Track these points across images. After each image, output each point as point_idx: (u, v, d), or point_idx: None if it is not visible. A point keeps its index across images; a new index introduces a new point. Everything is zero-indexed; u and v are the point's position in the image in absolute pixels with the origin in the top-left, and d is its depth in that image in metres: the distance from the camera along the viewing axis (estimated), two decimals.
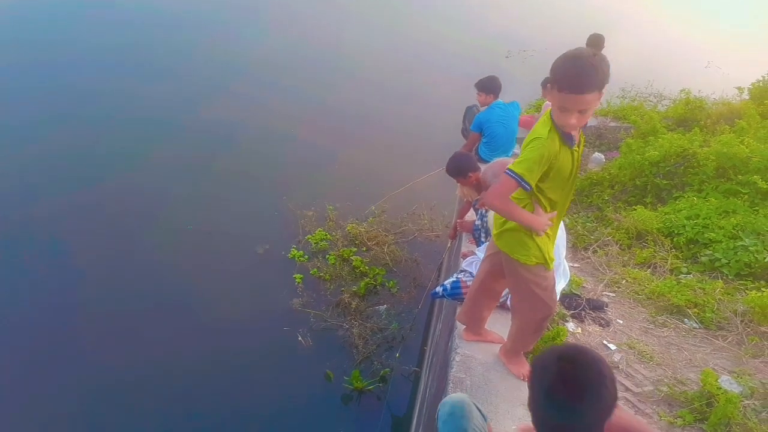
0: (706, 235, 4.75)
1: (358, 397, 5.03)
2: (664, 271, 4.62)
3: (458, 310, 3.26)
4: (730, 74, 11.81)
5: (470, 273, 3.47)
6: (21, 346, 5.14)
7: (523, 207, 2.41)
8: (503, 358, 2.97)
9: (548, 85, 2.20)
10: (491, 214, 3.68)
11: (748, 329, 3.63)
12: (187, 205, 7.33)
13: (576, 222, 5.37)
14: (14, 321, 5.38)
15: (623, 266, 4.61)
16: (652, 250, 4.85)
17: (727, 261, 4.41)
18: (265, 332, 5.62)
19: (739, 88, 8.29)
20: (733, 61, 14.56)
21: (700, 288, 4.15)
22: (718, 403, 2.79)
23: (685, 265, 4.66)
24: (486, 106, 5.43)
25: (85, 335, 5.25)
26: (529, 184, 2.24)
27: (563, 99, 2.12)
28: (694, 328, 3.79)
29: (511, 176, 2.24)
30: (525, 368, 2.87)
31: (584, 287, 4.18)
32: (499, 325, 3.29)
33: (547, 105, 7.51)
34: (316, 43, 13.82)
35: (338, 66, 12.76)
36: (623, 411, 1.83)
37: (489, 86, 5.37)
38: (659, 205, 5.61)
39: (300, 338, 5.52)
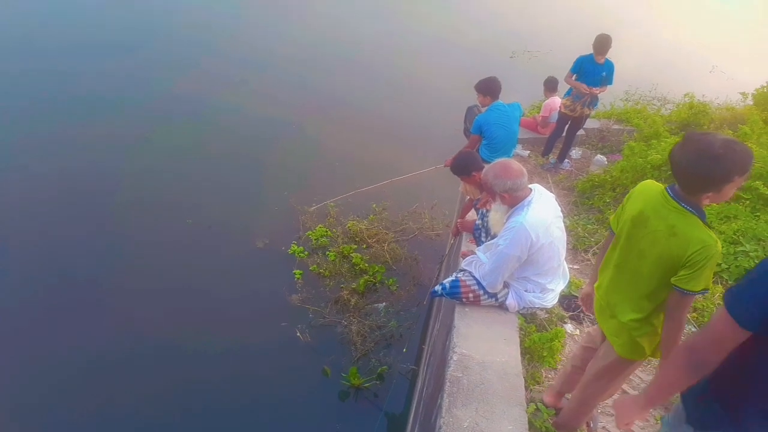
0: None
1: (356, 394, 5.04)
2: None
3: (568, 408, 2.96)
4: (735, 79, 11.85)
5: (469, 272, 3.47)
6: (23, 338, 5.16)
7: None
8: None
9: (717, 179, 2.07)
10: (492, 214, 3.68)
11: None
12: (186, 199, 7.33)
13: (576, 224, 5.38)
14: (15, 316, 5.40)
15: None
16: None
17: (727, 266, 4.40)
18: (264, 327, 5.62)
19: (743, 94, 8.31)
20: (738, 65, 14.58)
21: None
22: None
23: None
24: (485, 108, 5.41)
25: (80, 332, 5.21)
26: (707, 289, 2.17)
27: (740, 181, 2.05)
28: (693, 332, 3.79)
29: (693, 295, 2.14)
30: None
31: (583, 289, 4.17)
32: (499, 325, 3.30)
33: (547, 104, 7.55)
34: (318, 40, 13.80)
35: (343, 62, 12.76)
36: None
37: (488, 88, 5.32)
38: None
39: (298, 334, 5.52)
